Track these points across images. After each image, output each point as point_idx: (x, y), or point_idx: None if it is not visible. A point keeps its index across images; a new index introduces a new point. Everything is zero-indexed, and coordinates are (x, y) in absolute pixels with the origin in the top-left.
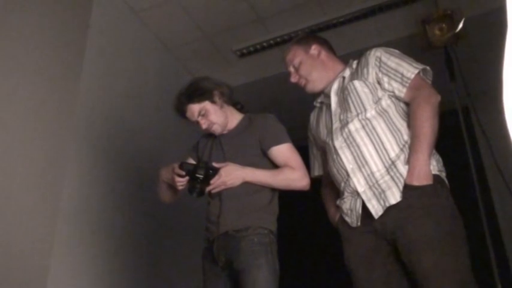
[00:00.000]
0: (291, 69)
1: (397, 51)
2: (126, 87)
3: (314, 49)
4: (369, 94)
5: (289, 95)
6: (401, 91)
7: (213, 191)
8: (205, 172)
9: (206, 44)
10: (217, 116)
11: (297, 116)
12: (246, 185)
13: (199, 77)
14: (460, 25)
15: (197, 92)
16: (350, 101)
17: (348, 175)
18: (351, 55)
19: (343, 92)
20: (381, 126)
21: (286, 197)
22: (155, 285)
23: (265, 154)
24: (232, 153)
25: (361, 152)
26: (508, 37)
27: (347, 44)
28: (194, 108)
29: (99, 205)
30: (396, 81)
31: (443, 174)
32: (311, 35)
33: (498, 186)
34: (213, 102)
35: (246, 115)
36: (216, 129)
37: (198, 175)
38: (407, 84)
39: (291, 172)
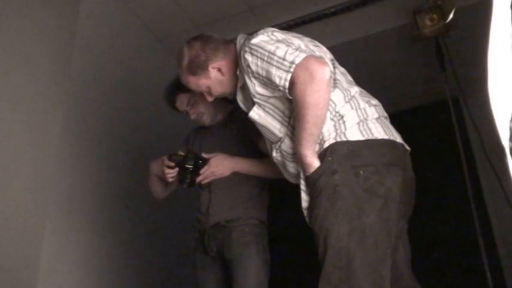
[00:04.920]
0: None
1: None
2: (116, 78)
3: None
4: None
5: None
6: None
7: (203, 182)
8: (194, 163)
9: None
10: (206, 107)
11: None
12: (236, 175)
13: None
14: (451, 15)
15: None
16: None
17: None
18: (342, 45)
19: None
20: None
21: (277, 187)
22: (147, 277)
23: (254, 144)
24: (221, 144)
25: None
26: (492, 28)
27: (338, 35)
28: (183, 98)
29: (89, 200)
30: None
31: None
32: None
33: (488, 177)
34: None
35: (235, 106)
36: (205, 120)
37: (187, 166)
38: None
39: None
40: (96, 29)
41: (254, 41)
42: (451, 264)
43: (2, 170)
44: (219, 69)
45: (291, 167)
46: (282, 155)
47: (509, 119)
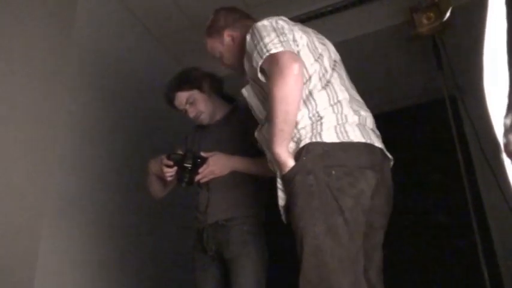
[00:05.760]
0: None
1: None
2: (115, 78)
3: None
4: None
5: None
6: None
7: (202, 181)
8: (193, 162)
9: (195, 34)
10: (205, 105)
11: None
12: (235, 175)
13: (189, 67)
14: (448, 14)
15: (186, 80)
16: None
17: None
18: (341, 44)
19: None
20: None
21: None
22: (146, 277)
23: (253, 143)
24: (220, 143)
25: None
26: (488, 26)
27: (335, 33)
28: (182, 96)
29: (87, 200)
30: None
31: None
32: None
33: (485, 174)
34: (201, 91)
35: (234, 106)
36: (204, 118)
37: (186, 165)
38: None
39: None
40: (94, 29)
41: (258, 23)
42: (449, 264)
43: (2, 170)
44: (232, 38)
45: (268, 154)
46: (262, 140)
47: (504, 115)
